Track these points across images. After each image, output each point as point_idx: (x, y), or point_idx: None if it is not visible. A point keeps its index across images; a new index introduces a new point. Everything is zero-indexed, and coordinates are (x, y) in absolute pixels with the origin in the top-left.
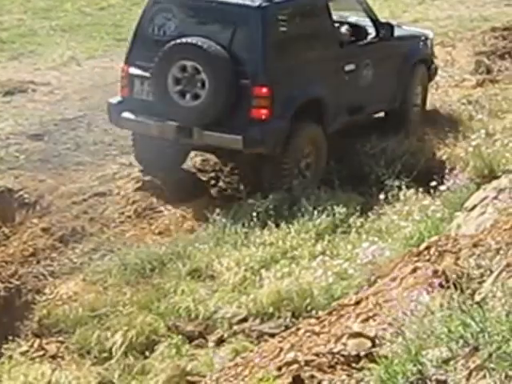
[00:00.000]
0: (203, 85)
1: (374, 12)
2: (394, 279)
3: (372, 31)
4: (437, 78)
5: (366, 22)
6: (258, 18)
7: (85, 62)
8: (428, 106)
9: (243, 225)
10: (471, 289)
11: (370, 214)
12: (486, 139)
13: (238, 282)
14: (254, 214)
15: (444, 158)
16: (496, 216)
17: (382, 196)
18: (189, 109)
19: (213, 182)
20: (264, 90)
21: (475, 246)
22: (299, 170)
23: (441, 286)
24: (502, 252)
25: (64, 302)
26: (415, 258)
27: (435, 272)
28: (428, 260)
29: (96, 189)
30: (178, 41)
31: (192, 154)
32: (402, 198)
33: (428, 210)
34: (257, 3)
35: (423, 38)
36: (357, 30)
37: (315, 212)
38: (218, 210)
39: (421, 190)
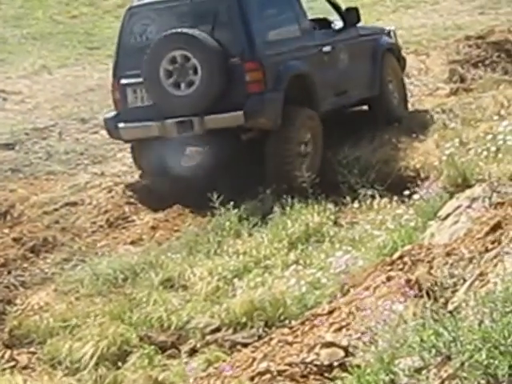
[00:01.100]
0: (195, 71)
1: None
2: (367, 288)
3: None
4: (411, 86)
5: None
6: (233, 2)
7: (56, 70)
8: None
9: (216, 234)
10: (444, 298)
11: (343, 223)
12: (460, 148)
13: (211, 291)
14: (227, 223)
15: (418, 166)
16: (469, 225)
17: (355, 205)
18: (186, 97)
19: (186, 190)
20: (254, 64)
21: (448, 254)
22: (300, 156)
23: (414, 295)
24: (475, 261)
25: (35, 312)
26: (388, 267)
27: (408, 281)
28: (401, 269)
29: (68, 198)
30: (163, 34)
31: None
32: (375, 206)
33: (401, 219)
34: None
35: (386, 31)
36: (324, 21)
37: (288, 221)
38: (190, 219)
39: (394, 198)
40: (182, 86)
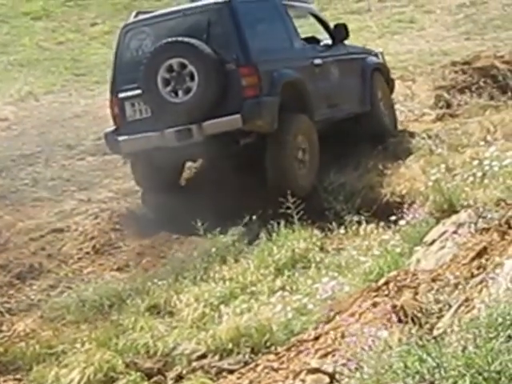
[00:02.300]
0: (192, 77)
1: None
2: (352, 314)
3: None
4: (397, 112)
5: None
6: (226, 10)
7: (43, 96)
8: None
9: (202, 260)
10: (430, 324)
11: (329, 249)
12: (446, 174)
13: (197, 318)
14: (213, 249)
15: (404, 192)
16: (455, 250)
17: (341, 231)
18: (184, 104)
19: (172, 217)
20: (249, 68)
21: (434, 280)
22: (298, 161)
23: (399, 321)
24: (460, 287)
25: (21, 339)
26: (374, 293)
27: (394, 307)
28: (387, 295)
29: (54, 225)
30: (159, 43)
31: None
32: (361, 232)
33: (388, 245)
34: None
35: (374, 52)
36: (313, 38)
37: (274, 247)
38: (176, 246)
39: (381, 224)
40: (180, 93)
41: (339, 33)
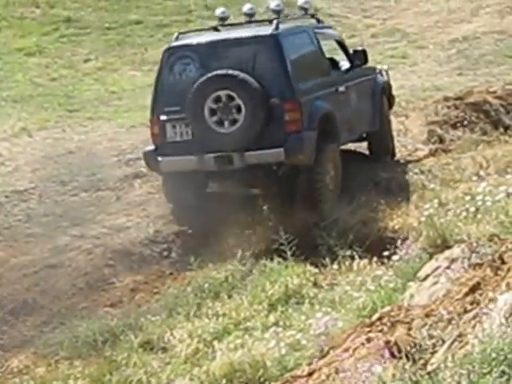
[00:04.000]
0: (239, 110)
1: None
2: (346, 350)
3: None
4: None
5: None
6: (272, 44)
7: (36, 133)
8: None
9: (196, 296)
10: (423, 359)
11: (323, 284)
12: (439, 209)
13: (191, 353)
14: (207, 285)
15: (397, 227)
16: (448, 286)
17: (335, 266)
18: (229, 135)
19: (165, 253)
20: (293, 104)
21: (427, 316)
22: (328, 189)
23: (393, 356)
24: (453, 322)
25: (15, 375)
26: (368, 329)
27: (388, 342)
28: (380, 331)
29: (47, 261)
30: (210, 74)
31: (145, 223)
32: (355, 268)
33: (381, 280)
34: (269, 32)
35: (378, 70)
36: (332, 61)
37: (268, 283)
38: (170, 281)
39: (374, 259)
40: (226, 123)
41: (358, 58)
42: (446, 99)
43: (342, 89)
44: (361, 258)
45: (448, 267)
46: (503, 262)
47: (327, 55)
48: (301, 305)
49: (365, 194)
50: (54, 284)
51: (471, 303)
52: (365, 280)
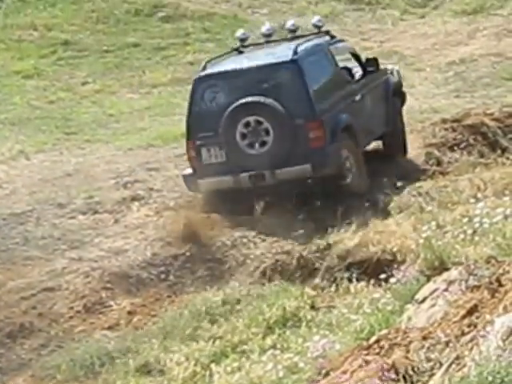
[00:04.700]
0: (267, 132)
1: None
2: (344, 373)
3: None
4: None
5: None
6: (293, 69)
7: (34, 155)
8: None
9: (193, 319)
10: (421, 382)
11: (320, 307)
12: (437, 231)
13: (188, 376)
14: (204, 307)
15: (395, 249)
16: (446, 308)
17: (332, 289)
18: (260, 155)
19: (163, 276)
20: (316, 123)
21: (425, 338)
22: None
23: (391, 379)
24: (451, 344)
25: None
26: (365, 352)
27: (385, 365)
28: (378, 353)
29: (45, 284)
30: (238, 103)
31: (142, 246)
32: (352, 290)
33: (379, 303)
34: (288, 58)
35: (389, 71)
36: (347, 70)
37: (265, 305)
38: (167, 304)
39: (372, 282)
40: (256, 145)
41: (371, 65)
42: (444, 121)
43: (357, 98)
44: (358, 280)
45: (446, 289)
46: (500, 285)
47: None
48: (298, 327)
49: (363, 216)
50: (52, 307)
51: (468, 326)
52: (362, 302)
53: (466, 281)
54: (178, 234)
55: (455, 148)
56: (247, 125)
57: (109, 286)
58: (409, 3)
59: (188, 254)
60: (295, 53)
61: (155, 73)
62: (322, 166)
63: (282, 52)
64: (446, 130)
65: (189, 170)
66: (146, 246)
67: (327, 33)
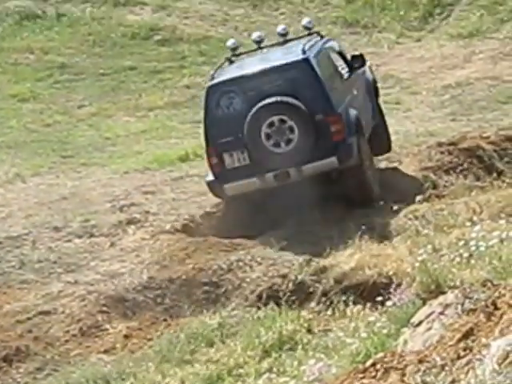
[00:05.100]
0: (291, 130)
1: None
2: None
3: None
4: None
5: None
6: (306, 66)
7: (30, 178)
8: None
9: (189, 342)
10: None
11: (316, 330)
12: (433, 254)
13: None
14: (200, 331)
15: (391, 273)
16: (442, 332)
17: (328, 312)
18: (286, 153)
19: (159, 299)
20: (336, 117)
21: (421, 362)
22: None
23: None
24: (447, 368)
25: None
26: (361, 375)
27: None
28: (374, 377)
29: (41, 307)
30: (260, 104)
31: (138, 269)
32: (348, 313)
33: (374, 326)
34: (299, 57)
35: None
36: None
37: (261, 329)
38: (163, 328)
39: (368, 305)
40: (282, 144)
41: (356, 62)
42: (440, 145)
43: (355, 92)
44: (355, 303)
45: (441, 313)
46: (496, 308)
47: None
48: (294, 351)
49: (359, 240)
50: (48, 330)
51: (464, 349)
52: (358, 326)
53: (462, 304)
54: (174, 257)
55: (451, 171)
56: (271, 125)
57: (105, 309)
58: (405, 27)
59: (184, 277)
60: (304, 52)
61: (151, 96)
62: (347, 157)
63: (289, 53)
64: (441, 153)
65: (210, 176)
66: (142, 269)
67: (317, 33)
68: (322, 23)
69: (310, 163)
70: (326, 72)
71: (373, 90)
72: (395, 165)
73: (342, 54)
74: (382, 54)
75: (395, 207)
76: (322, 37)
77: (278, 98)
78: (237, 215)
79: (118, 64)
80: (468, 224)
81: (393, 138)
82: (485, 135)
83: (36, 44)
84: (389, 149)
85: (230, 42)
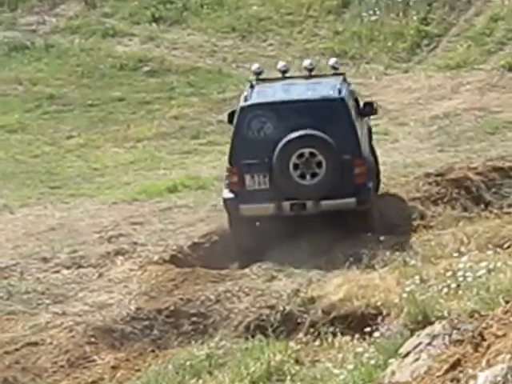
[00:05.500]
0: (319, 165)
1: None
2: None
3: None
4: None
5: None
6: (342, 106)
7: (18, 209)
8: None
9: (177, 373)
10: None
11: (305, 361)
12: (420, 285)
13: None
14: (188, 362)
15: (379, 304)
16: (430, 362)
17: (316, 343)
18: (311, 186)
19: (147, 330)
20: (361, 160)
21: None
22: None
23: None
24: None
25: None
26: None
27: None
28: None
29: (28, 338)
30: (295, 134)
31: (126, 300)
32: (336, 344)
33: (362, 357)
34: (336, 95)
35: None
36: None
37: (250, 359)
38: (151, 359)
39: (356, 336)
40: (307, 176)
41: (368, 109)
42: (428, 175)
43: (365, 136)
44: (343, 334)
45: (429, 344)
46: (483, 339)
47: None
48: (283, 382)
49: (347, 270)
50: (35, 361)
51: (452, 380)
52: (346, 357)
53: (450, 335)
54: (162, 288)
55: (439, 202)
56: (301, 156)
57: (93, 340)
58: (393, 58)
59: (172, 308)
60: (340, 91)
61: (140, 127)
62: (366, 201)
63: (321, 88)
64: (429, 184)
65: (228, 194)
66: (130, 300)
67: (342, 75)
68: (310, 54)
69: (329, 200)
70: (354, 114)
71: (368, 132)
72: (383, 196)
73: (356, 99)
74: (370, 85)
75: (382, 238)
76: (345, 79)
77: (314, 132)
78: (225, 246)
79: (106, 95)
80: (456, 255)
81: (381, 168)
82: (472, 166)
83: (25, 75)
84: (379, 186)
85: (255, 67)
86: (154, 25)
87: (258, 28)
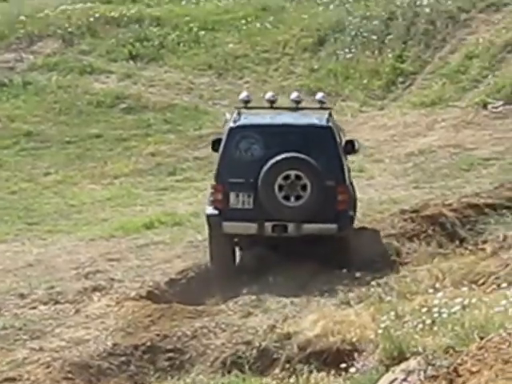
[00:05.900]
0: (304, 188)
1: None
2: None
3: None
4: None
5: None
6: (329, 134)
7: None
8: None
9: None
10: None
11: None
12: (396, 321)
13: None
14: None
15: (354, 340)
16: None
17: (292, 379)
18: (295, 208)
19: (124, 366)
20: (344, 188)
21: None
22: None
23: None
24: None
25: None
26: None
27: None
28: None
29: (6, 374)
30: (283, 156)
31: (103, 336)
32: (312, 381)
33: None
34: (324, 123)
35: None
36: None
37: None
38: None
39: (332, 372)
40: (292, 198)
41: (349, 147)
42: (403, 212)
43: (349, 171)
44: (318, 370)
45: (404, 379)
46: (458, 375)
47: None
48: None
49: (322, 306)
50: None
51: None
52: None
53: (425, 371)
54: (139, 324)
55: (414, 238)
56: (287, 178)
57: (70, 376)
58: (368, 95)
59: (149, 344)
60: (328, 120)
61: (117, 164)
62: (346, 227)
63: (310, 118)
64: (404, 220)
65: (212, 211)
66: (106, 336)
67: (329, 109)
68: (286, 91)
69: (311, 223)
70: (339, 145)
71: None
72: (359, 231)
73: (340, 135)
74: (346, 122)
75: (358, 274)
76: (331, 114)
77: (301, 155)
78: (202, 282)
79: (83, 132)
80: (431, 291)
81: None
82: (447, 203)
83: (2, 112)
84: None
85: (244, 95)
86: (131, 62)
87: (234, 65)
